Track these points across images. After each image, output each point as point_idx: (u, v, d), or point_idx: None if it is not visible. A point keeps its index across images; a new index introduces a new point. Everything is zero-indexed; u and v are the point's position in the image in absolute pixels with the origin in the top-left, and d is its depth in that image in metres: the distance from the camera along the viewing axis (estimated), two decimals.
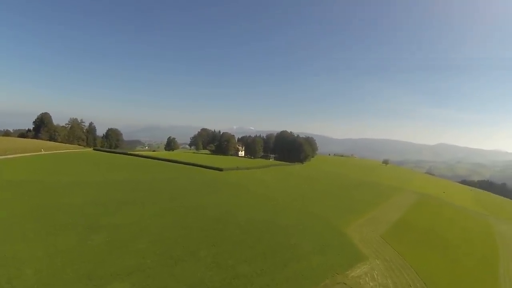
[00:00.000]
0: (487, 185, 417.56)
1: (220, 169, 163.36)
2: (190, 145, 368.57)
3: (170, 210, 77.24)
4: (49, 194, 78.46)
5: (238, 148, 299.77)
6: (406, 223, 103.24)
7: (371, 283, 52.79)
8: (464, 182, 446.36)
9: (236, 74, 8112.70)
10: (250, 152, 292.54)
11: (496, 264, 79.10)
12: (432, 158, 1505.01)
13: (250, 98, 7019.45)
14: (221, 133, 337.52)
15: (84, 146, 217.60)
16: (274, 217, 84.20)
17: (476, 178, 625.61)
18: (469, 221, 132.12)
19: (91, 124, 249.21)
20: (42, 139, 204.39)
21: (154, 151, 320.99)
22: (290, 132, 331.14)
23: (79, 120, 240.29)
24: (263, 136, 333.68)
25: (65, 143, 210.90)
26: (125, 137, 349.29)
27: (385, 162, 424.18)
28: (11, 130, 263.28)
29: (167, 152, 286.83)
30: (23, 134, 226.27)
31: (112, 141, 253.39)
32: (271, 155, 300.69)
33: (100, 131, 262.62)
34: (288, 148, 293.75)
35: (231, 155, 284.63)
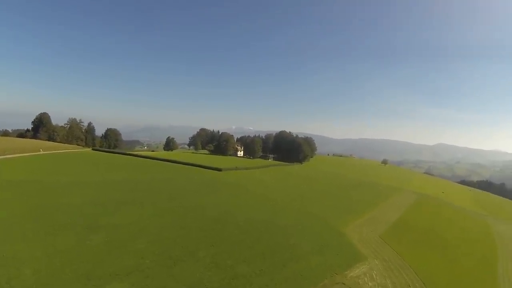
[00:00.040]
0: (486, 185, 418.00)
1: (219, 169, 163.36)
2: (189, 145, 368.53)
3: (169, 210, 77.20)
4: (48, 194, 78.34)
5: (237, 148, 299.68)
6: (405, 223, 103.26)
7: (370, 283, 52.78)
8: (463, 182, 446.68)
9: (235, 74, 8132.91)
10: (249, 152, 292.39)
11: (495, 264, 79.17)
12: (431, 158, 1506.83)
13: (249, 98, 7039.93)
14: (220, 133, 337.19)
15: (83, 146, 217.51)
16: (273, 217, 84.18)
17: (475, 178, 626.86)
18: (468, 221, 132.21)
19: (90, 124, 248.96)
20: (41, 139, 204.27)
21: (153, 151, 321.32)
22: (289, 132, 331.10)
23: (78, 120, 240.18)
24: (262, 136, 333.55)
25: (64, 143, 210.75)
26: (124, 137, 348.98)
27: (384, 162, 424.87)
28: (10, 130, 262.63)
29: (166, 152, 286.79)
30: (22, 134, 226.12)
31: (111, 141, 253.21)
32: (270, 155, 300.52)
33: (99, 131, 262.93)
34: (287, 148, 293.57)
35: (230, 155, 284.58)
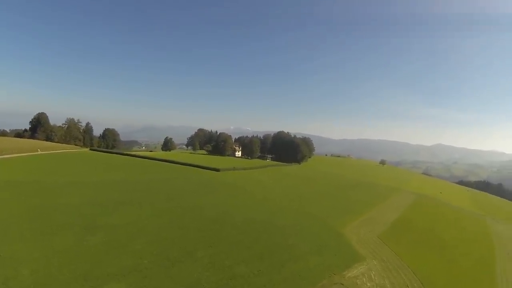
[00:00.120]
0: (483, 186, 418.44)
1: (217, 170, 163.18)
2: (187, 145, 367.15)
3: (167, 210, 77.14)
4: (45, 194, 78.21)
5: (235, 149, 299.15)
6: (403, 223, 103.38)
7: (368, 284, 52.85)
8: (461, 182, 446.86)
9: (234, 75, 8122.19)
10: (247, 152, 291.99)
11: (493, 264, 79.41)
12: (429, 159, 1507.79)
13: (247, 98, 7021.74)
14: (218, 134, 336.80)
15: (81, 146, 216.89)
16: (271, 217, 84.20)
17: (473, 178, 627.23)
18: (466, 222, 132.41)
19: (87, 124, 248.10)
20: (38, 139, 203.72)
21: (151, 151, 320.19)
22: (287, 132, 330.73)
23: (76, 120, 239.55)
24: (260, 137, 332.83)
25: (62, 143, 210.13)
26: (123, 138, 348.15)
27: (382, 162, 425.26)
28: (8, 130, 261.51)
29: (164, 152, 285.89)
30: (19, 134, 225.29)
31: (109, 141, 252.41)
32: (268, 156, 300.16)
33: (99, 132, 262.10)
34: (285, 149, 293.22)
35: (228, 155, 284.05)
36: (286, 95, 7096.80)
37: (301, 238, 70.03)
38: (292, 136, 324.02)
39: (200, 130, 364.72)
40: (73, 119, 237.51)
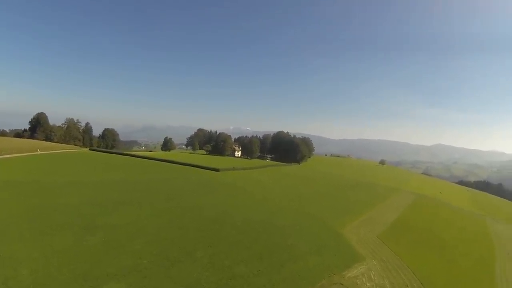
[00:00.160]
0: (483, 186, 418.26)
1: (217, 170, 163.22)
2: (186, 145, 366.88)
3: (167, 210, 77.09)
4: (45, 194, 78.19)
5: (234, 149, 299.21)
6: (403, 223, 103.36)
7: (368, 284, 52.80)
8: (461, 182, 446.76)
9: (234, 75, 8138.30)
10: (247, 152, 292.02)
11: (492, 264, 79.39)
12: (429, 159, 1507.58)
13: (247, 98, 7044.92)
14: (217, 134, 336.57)
15: (80, 146, 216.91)
16: (270, 217, 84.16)
17: (472, 178, 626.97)
18: (466, 222, 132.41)
19: (87, 124, 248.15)
20: (38, 139, 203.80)
21: (150, 151, 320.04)
22: (287, 132, 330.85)
23: (75, 120, 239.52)
24: (259, 137, 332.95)
25: (61, 143, 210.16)
26: (122, 138, 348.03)
27: (382, 162, 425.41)
28: (7, 130, 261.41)
29: (163, 152, 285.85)
30: (19, 134, 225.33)
31: (108, 141, 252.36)
32: (268, 156, 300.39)
33: (98, 132, 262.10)
34: (285, 149, 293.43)
35: (227, 155, 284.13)
36: (286, 95, 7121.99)
37: (301, 238, 69.98)
38: (292, 136, 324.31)
39: (200, 130, 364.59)
40: (72, 119, 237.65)
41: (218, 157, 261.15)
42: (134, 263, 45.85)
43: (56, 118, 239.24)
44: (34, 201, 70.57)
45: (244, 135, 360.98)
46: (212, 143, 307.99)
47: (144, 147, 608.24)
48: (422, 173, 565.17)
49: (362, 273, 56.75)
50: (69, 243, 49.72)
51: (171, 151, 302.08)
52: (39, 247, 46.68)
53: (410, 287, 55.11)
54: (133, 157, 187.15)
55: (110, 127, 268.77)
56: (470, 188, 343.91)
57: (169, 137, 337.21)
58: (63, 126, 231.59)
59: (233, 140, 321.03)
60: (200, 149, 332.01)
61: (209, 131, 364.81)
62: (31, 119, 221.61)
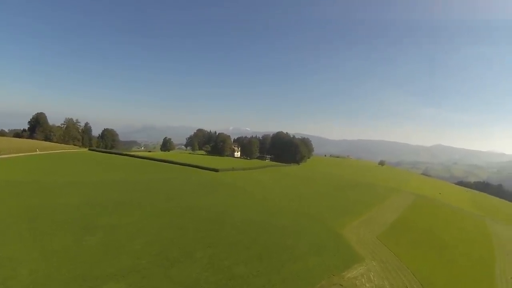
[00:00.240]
0: (483, 186, 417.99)
1: (216, 170, 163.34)
2: (186, 145, 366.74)
3: (166, 210, 77.06)
4: (44, 194, 78.15)
5: (234, 149, 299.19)
6: (403, 224, 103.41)
7: (367, 284, 52.79)
8: (461, 183, 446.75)
9: (233, 75, 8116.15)
10: (246, 153, 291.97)
11: (492, 264, 79.49)
12: (428, 159, 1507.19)
13: (247, 99, 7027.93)
14: (217, 134, 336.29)
15: (80, 146, 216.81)
16: (270, 218, 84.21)
17: (472, 179, 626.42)
18: (466, 222, 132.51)
19: (86, 124, 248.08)
20: (37, 139, 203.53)
21: (150, 151, 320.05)
22: (286, 133, 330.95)
23: (74, 120, 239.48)
24: (259, 137, 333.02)
25: (61, 143, 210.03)
26: (122, 138, 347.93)
27: (381, 163, 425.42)
28: (6, 130, 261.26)
29: (163, 152, 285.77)
30: (18, 134, 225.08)
31: (107, 142, 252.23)
32: (267, 156, 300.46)
33: (97, 132, 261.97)
34: (284, 149, 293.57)
35: (227, 156, 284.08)
36: (286, 95, 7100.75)
37: (300, 238, 69.99)
38: (291, 136, 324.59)
39: (199, 130, 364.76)
40: (71, 119, 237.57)
41: (218, 157, 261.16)
42: (133, 263, 45.77)
43: (55, 118, 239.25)
44: (34, 201, 70.50)
45: (244, 136, 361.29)
46: (211, 143, 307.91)
47: (144, 147, 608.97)
48: (421, 174, 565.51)
49: (362, 274, 56.74)
50: (68, 243, 49.62)
51: (171, 151, 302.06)
52: (38, 247, 46.58)
53: None
54: (133, 157, 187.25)
55: (109, 127, 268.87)
56: (469, 189, 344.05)
57: (168, 137, 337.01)
58: (62, 126, 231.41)
59: (232, 141, 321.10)
60: (199, 150, 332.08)
61: (209, 131, 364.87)
62: (30, 119, 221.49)
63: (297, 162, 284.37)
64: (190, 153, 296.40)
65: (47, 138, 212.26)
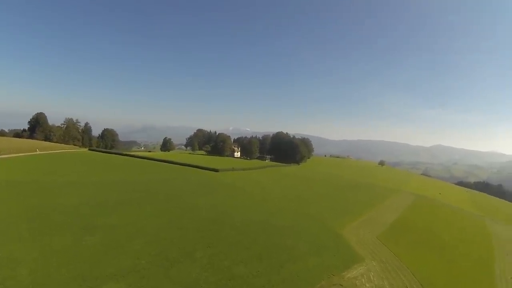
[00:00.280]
0: (483, 187, 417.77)
1: (216, 170, 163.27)
2: (186, 145, 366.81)
3: (166, 211, 77.00)
4: (44, 194, 78.00)
5: (234, 149, 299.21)
6: (403, 224, 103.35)
7: (367, 285, 52.75)
8: (461, 183, 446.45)
9: (233, 76, 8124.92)
10: (246, 153, 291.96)
11: (492, 265, 79.43)
12: (428, 160, 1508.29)
13: (247, 99, 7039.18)
14: (217, 134, 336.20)
15: (80, 147, 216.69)
16: (270, 218, 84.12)
17: (472, 179, 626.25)
18: (466, 222, 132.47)
19: (86, 124, 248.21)
20: (37, 139, 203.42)
21: (150, 151, 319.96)
22: (286, 133, 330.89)
23: (74, 120, 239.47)
24: (259, 137, 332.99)
25: (61, 143, 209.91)
26: (122, 138, 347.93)
27: (381, 163, 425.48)
28: (6, 130, 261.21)
29: (163, 152, 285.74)
30: (18, 134, 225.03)
31: (107, 142, 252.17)
32: (267, 156, 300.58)
33: (97, 132, 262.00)
34: (284, 149, 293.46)
35: (227, 156, 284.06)
36: (286, 95, 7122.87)
37: (300, 239, 69.92)
38: (291, 136, 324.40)
39: (199, 130, 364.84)
40: (71, 119, 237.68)
41: (218, 157, 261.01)
42: (133, 263, 45.74)
43: (55, 118, 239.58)
44: (33, 201, 70.39)
45: (244, 136, 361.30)
46: (211, 143, 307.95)
47: (144, 148, 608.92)
48: (421, 174, 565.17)
49: (362, 274, 56.70)
50: (68, 243, 49.57)
51: (171, 152, 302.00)
52: (38, 247, 46.54)
53: None
54: (133, 158, 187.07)
55: (109, 127, 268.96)
56: (469, 189, 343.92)
57: (168, 137, 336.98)
58: (62, 126, 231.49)
59: (232, 141, 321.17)
60: (199, 150, 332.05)
61: (209, 131, 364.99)
62: (30, 119, 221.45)
63: (297, 162, 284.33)
64: (190, 153, 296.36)
65: (47, 138, 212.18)
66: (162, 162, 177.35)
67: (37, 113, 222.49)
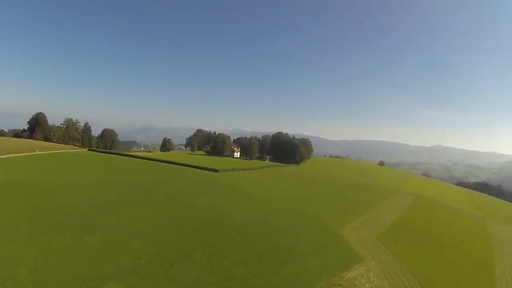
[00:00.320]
0: (483, 187, 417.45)
1: (216, 170, 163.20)
2: (185, 146, 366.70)
3: (166, 211, 76.96)
4: (44, 195, 77.96)
5: (233, 149, 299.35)
6: (403, 224, 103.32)
7: (367, 285, 52.74)
8: (461, 184, 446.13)
9: (233, 76, 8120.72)
10: (246, 153, 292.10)
11: (491, 265, 79.42)
12: (428, 160, 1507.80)
13: (246, 99, 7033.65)
14: (216, 134, 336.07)
15: (79, 147, 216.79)
16: (269, 218, 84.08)
17: (472, 180, 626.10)
18: (465, 223, 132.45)
19: (86, 124, 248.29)
20: (37, 139, 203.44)
21: (149, 152, 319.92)
22: (286, 133, 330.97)
23: (74, 120, 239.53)
24: (258, 137, 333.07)
25: (60, 143, 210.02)
26: (122, 138, 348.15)
27: (381, 163, 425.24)
28: (6, 130, 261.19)
29: (162, 153, 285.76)
30: (17, 134, 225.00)
31: (107, 142, 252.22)
32: (267, 156, 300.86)
33: (97, 132, 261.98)
34: (284, 150, 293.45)
35: (226, 156, 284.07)
36: (286, 96, 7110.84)
37: (300, 239, 69.89)
38: (291, 137, 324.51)
39: (199, 130, 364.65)
40: (71, 119, 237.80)
41: (217, 157, 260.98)
42: (132, 263, 45.72)
43: (55, 118, 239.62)
44: (33, 201, 70.35)
45: (243, 136, 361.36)
46: (211, 143, 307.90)
47: (143, 148, 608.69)
48: (421, 174, 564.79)
49: (361, 274, 56.69)
50: (68, 243, 49.54)
51: (170, 152, 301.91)
52: (37, 247, 46.51)
53: None
54: (132, 158, 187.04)
55: (109, 127, 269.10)
56: (469, 189, 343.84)
57: (168, 137, 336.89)
58: (62, 126, 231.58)
59: (232, 141, 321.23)
60: (199, 150, 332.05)
61: (208, 131, 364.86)
62: (30, 119, 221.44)
63: (296, 162, 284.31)
64: (189, 154, 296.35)
65: (46, 138, 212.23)
66: (161, 162, 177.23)
67: (37, 113, 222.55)
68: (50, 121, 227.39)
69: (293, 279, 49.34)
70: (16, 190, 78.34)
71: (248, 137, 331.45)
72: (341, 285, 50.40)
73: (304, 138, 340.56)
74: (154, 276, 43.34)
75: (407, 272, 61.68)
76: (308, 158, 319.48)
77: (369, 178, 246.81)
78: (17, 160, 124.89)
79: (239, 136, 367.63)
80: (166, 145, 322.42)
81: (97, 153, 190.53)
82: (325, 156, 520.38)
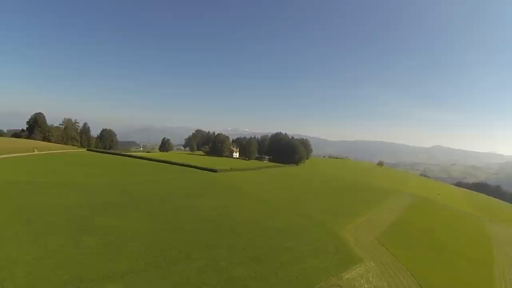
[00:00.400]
0: (481, 188, 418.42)
1: (215, 170, 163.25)
2: (184, 146, 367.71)
3: (164, 211, 76.78)
4: (42, 195, 77.70)
5: (232, 150, 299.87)
6: (402, 225, 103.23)
7: (366, 286, 52.54)
8: (459, 184, 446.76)
9: (232, 76, 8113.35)
10: (245, 153, 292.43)
11: (491, 266, 79.31)
12: (427, 161, 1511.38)
13: (245, 100, 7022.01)
14: (215, 135, 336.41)
15: (78, 147, 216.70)
16: (268, 219, 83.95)
17: (471, 180, 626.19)
18: (464, 223, 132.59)
19: (85, 124, 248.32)
20: (35, 139, 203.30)
21: (148, 152, 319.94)
22: (285, 134, 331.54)
23: (73, 120, 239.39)
24: (257, 138, 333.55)
25: (59, 143, 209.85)
26: (121, 138, 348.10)
27: (380, 164, 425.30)
28: (5, 130, 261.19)
29: (161, 153, 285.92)
30: (16, 134, 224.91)
31: (106, 142, 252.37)
32: (266, 157, 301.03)
33: (96, 132, 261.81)
34: (283, 150, 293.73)
35: (225, 156, 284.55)
36: (285, 96, 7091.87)
37: (298, 240, 69.68)
38: (290, 137, 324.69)
39: (198, 131, 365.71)
40: (70, 120, 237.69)
41: (216, 158, 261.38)
42: (130, 264, 45.43)
43: (54, 119, 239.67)
44: (30, 202, 70.05)
45: (242, 136, 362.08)
46: (210, 144, 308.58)
47: (142, 148, 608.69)
48: (420, 175, 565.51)
49: (360, 275, 56.48)
50: (65, 244, 49.20)
51: (169, 152, 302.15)
52: (34, 248, 46.18)
53: None
54: (131, 158, 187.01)
55: (108, 127, 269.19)
56: (468, 190, 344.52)
57: (167, 138, 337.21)
58: (60, 126, 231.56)
59: (231, 141, 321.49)
60: (198, 150, 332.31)
61: (207, 132, 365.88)
62: (29, 119, 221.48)
63: (295, 163, 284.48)
64: (188, 154, 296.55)
65: (45, 139, 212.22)
66: (160, 163, 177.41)
67: (36, 113, 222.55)
68: (49, 121, 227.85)
69: (292, 280, 49.07)
70: (14, 191, 78.08)
71: (247, 138, 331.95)
72: (340, 286, 50.20)
73: (303, 139, 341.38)
74: (152, 277, 43.04)
75: (406, 272, 61.48)
76: (307, 159, 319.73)
77: (367, 179, 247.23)
78: (16, 160, 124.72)
79: (238, 136, 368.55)
80: (165, 145, 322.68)
81: (96, 153, 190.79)
82: (324, 156, 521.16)
